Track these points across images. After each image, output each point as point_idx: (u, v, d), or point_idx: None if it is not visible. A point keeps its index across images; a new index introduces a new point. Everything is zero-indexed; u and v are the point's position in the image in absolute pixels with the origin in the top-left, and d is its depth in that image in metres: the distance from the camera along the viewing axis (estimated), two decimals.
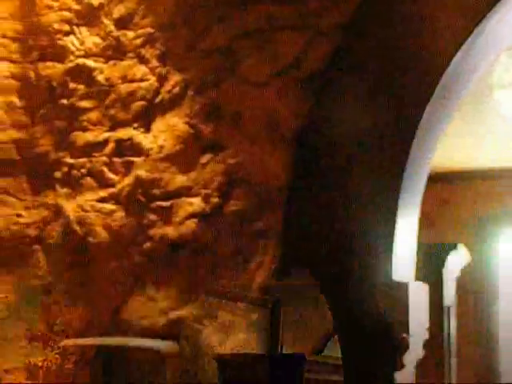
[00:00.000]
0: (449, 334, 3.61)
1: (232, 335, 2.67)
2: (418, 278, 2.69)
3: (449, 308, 3.60)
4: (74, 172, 3.10)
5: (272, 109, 2.66)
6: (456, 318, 3.71)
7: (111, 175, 3.01)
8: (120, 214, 2.96)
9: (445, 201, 5.07)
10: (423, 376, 2.94)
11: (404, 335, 2.36)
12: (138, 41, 2.99)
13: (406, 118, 2.44)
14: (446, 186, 4.99)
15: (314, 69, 2.58)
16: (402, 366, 2.39)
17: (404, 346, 2.37)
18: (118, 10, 3.05)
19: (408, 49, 2.45)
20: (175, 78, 2.89)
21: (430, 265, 3.44)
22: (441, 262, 3.57)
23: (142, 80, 2.98)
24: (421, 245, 2.67)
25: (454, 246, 3.65)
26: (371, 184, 2.48)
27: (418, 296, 2.54)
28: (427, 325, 2.65)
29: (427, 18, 2.41)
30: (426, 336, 2.63)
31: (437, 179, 4.43)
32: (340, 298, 2.46)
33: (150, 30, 2.96)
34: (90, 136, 3.08)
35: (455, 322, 3.69)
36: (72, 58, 3.15)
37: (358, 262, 2.47)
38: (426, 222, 3.09)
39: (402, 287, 2.39)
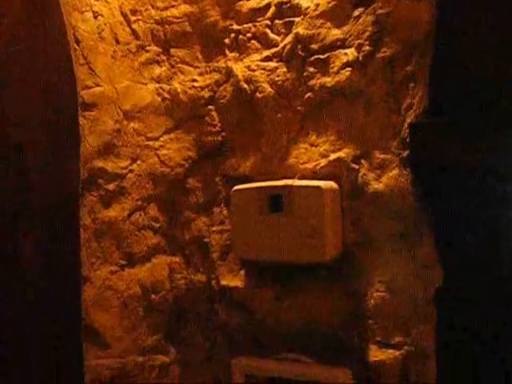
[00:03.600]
0: None
1: (386, 172, 2.89)
2: None
3: None
4: (241, 37, 3.31)
5: None
6: None
7: (273, 36, 3.21)
8: (283, 69, 3.17)
9: None
10: None
11: None
12: None
13: None
14: None
15: None
16: None
17: None
18: None
19: None
20: None
21: None
22: None
23: None
24: None
25: None
26: None
27: None
28: None
29: None
30: None
31: None
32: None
33: None
34: (253, 3, 3.27)
35: None
36: None
37: None
38: None
39: None
